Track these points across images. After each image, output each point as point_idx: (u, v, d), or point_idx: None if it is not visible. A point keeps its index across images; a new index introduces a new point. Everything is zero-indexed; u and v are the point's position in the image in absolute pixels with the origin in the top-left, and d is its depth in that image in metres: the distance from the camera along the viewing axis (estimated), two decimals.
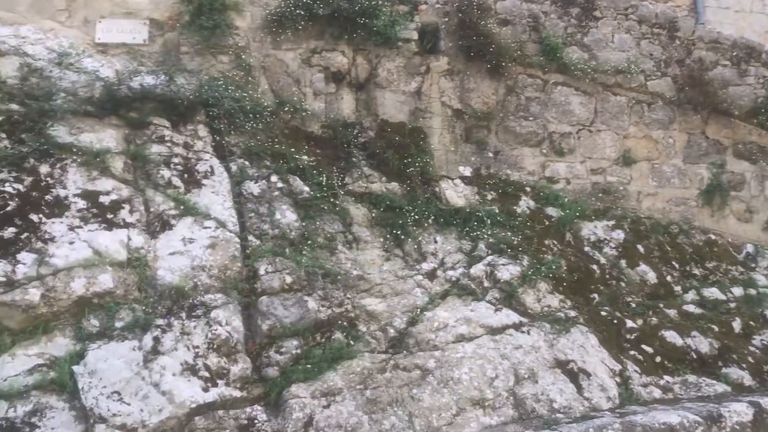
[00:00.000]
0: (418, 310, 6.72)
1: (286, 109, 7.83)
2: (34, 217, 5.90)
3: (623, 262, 8.15)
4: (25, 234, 5.78)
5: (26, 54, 6.90)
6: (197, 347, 5.67)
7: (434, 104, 8.60)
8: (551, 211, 8.47)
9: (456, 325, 6.62)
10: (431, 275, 7.20)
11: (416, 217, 7.60)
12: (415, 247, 7.43)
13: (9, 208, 5.85)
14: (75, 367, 5.29)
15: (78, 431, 5.06)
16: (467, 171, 8.54)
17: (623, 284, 7.85)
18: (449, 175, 8.36)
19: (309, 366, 5.85)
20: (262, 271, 6.32)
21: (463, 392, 6.04)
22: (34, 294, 5.48)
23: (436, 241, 7.56)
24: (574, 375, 6.50)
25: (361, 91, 8.43)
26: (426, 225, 7.63)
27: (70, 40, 7.29)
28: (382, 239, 7.34)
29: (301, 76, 8.18)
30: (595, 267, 7.91)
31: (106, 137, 6.65)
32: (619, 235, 8.48)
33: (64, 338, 5.48)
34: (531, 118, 9.03)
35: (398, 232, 7.41)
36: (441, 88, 8.68)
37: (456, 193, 8.17)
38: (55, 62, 6.95)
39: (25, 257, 5.64)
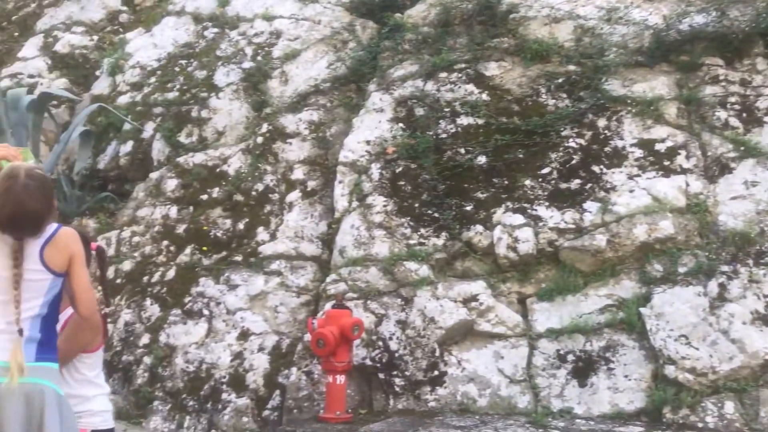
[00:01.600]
0: None
1: None
2: (595, 168, 6.35)
3: None
4: (589, 184, 6.28)
5: (578, 16, 7.37)
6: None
7: None
8: None
9: None
10: None
11: None
12: None
13: (573, 162, 6.43)
14: (642, 309, 5.56)
15: (648, 369, 5.37)
16: None
17: None
18: None
19: None
20: None
21: None
22: (600, 240, 5.92)
23: None
24: None
25: None
26: None
27: None
28: None
29: None
30: None
31: (657, 85, 6.69)
32: None
33: (630, 281, 5.80)
34: None
35: None
36: None
37: None
38: (604, 19, 7.25)
39: (590, 206, 6.13)
